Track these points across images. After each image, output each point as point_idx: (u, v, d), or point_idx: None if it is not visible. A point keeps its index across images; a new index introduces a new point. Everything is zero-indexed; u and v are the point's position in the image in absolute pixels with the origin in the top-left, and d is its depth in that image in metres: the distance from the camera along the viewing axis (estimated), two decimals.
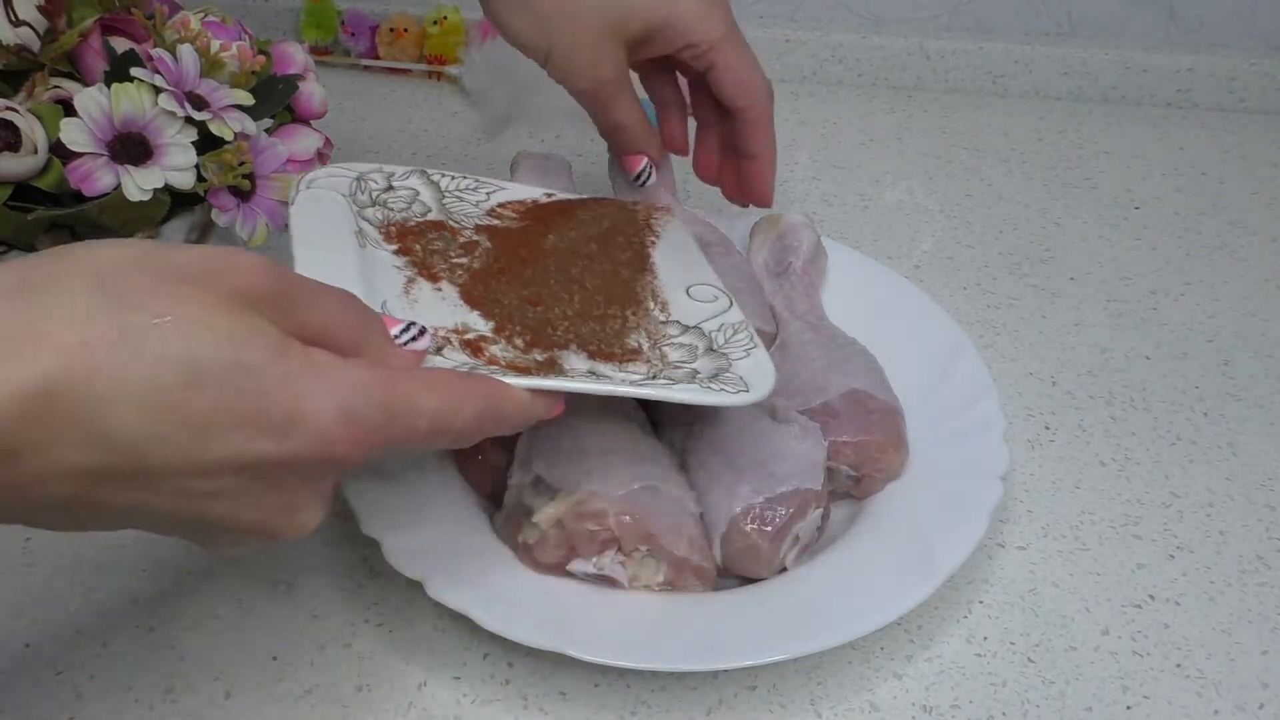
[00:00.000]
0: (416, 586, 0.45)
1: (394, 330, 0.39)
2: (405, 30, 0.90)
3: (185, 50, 0.49)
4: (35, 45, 0.49)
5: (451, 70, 0.89)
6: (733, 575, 0.49)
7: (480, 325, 0.46)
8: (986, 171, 0.82)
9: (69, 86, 0.49)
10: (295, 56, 0.58)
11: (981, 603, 0.50)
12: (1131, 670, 0.48)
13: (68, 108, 0.48)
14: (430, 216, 0.53)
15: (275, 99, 0.54)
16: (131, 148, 0.48)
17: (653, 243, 0.56)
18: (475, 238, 0.52)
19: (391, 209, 0.52)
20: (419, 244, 0.51)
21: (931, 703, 0.46)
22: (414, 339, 0.39)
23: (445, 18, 0.89)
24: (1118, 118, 0.90)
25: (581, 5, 0.56)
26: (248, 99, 0.51)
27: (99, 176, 0.47)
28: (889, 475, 0.52)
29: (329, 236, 0.47)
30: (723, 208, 0.66)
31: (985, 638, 0.49)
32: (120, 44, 0.50)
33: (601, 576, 0.47)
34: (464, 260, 0.51)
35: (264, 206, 0.53)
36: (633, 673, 0.47)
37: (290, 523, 0.35)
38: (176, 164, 0.48)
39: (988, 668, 0.48)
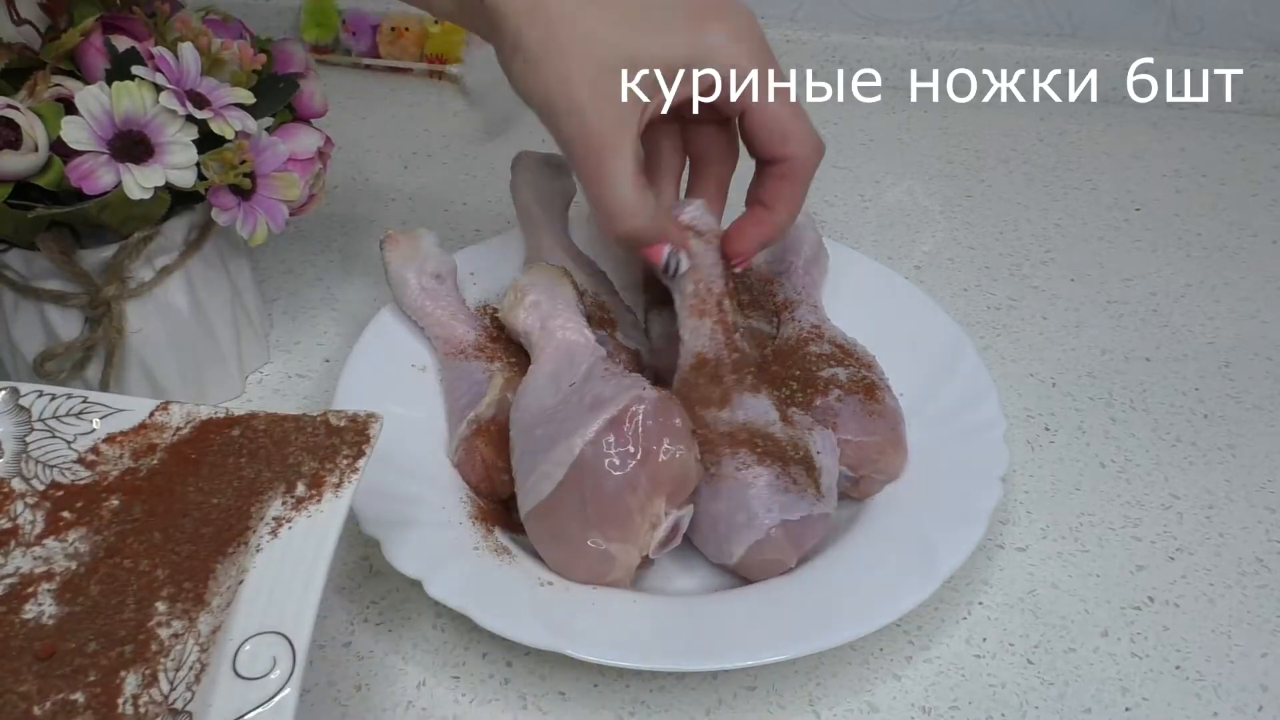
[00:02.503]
0: (416, 585, 0.45)
1: None
2: (406, 29, 0.90)
3: (186, 49, 0.49)
4: (36, 43, 0.49)
5: (452, 70, 0.90)
6: (736, 576, 0.49)
7: None
8: (987, 172, 0.82)
9: (70, 85, 0.49)
10: (296, 55, 0.58)
11: (981, 604, 0.50)
12: (1131, 672, 0.48)
13: (69, 106, 0.48)
14: None
15: (276, 98, 0.54)
16: (132, 146, 0.47)
17: (277, 529, 0.37)
18: (24, 516, 0.39)
19: None
20: None
21: (930, 704, 0.46)
22: None
23: None
24: (1118, 119, 0.90)
25: (578, 38, 0.45)
26: (248, 97, 0.51)
27: (100, 175, 0.47)
28: (888, 476, 0.52)
29: None
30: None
31: (984, 639, 0.49)
32: (121, 42, 0.50)
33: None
34: None
35: (264, 206, 0.53)
36: (632, 673, 0.47)
37: None
38: (177, 162, 0.48)
39: (987, 669, 0.48)
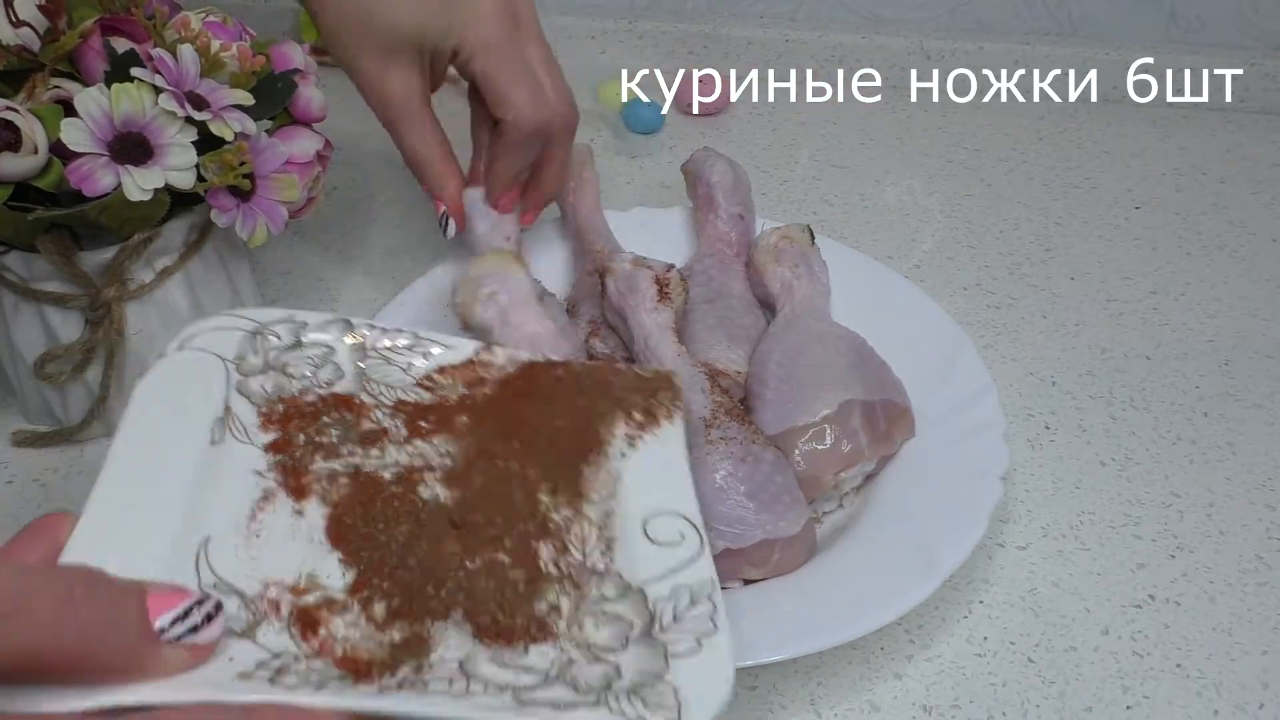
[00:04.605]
0: None
1: (163, 618, 0.29)
2: None
3: (185, 50, 0.49)
4: (35, 46, 0.49)
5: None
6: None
7: (334, 578, 0.36)
8: (986, 171, 0.82)
9: (69, 87, 0.49)
10: (295, 57, 0.58)
11: (981, 603, 0.50)
12: (1131, 670, 0.48)
13: (68, 108, 0.48)
14: (339, 387, 0.43)
15: (275, 98, 0.54)
16: (132, 148, 0.47)
17: (633, 442, 0.44)
18: (386, 422, 0.42)
19: (291, 375, 0.42)
20: (305, 433, 0.41)
21: (931, 703, 0.46)
22: (196, 628, 0.30)
23: None
24: (1118, 118, 0.90)
25: (368, 13, 0.53)
26: (248, 99, 0.51)
27: (99, 177, 0.47)
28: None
29: (168, 429, 0.38)
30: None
31: (985, 638, 0.49)
32: (120, 44, 0.50)
33: None
34: (356, 460, 0.41)
35: (263, 207, 0.53)
36: None
37: None
38: (177, 164, 0.48)
39: (988, 668, 0.48)
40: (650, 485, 0.42)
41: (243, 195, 0.52)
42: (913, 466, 0.53)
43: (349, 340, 0.44)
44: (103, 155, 0.47)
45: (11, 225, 0.48)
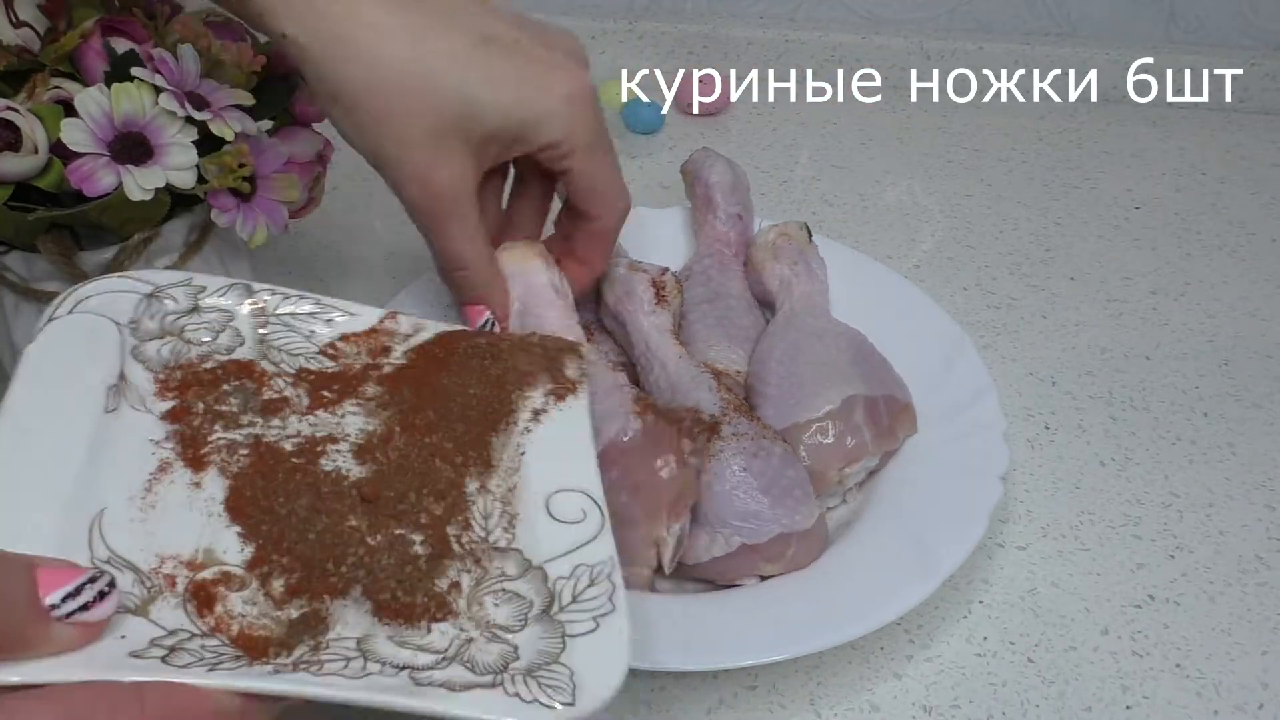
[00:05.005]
0: None
1: (53, 595, 0.29)
2: None
3: (186, 50, 0.49)
4: (35, 46, 0.49)
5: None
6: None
7: (232, 553, 0.36)
8: (986, 171, 0.82)
9: (69, 87, 0.49)
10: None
11: (981, 603, 0.50)
12: (1131, 670, 0.48)
13: (68, 108, 0.48)
14: (240, 353, 0.42)
15: (276, 98, 0.54)
16: (132, 148, 0.47)
17: (539, 414, 0.43)
18: (289, 391, 0.42)
19: (189, 340, 0.41)
20: (204, 401, 0.40)
21: (931, 703, 0.46)
22: (87, 605, 0.29)
23: None
24: (1118, 118, 0.90)
25: (419, 95, 0.45)
26: (248, 99, 0.51)
27: (100, 177, 0.47)
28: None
29: (60, 396, 0.37)
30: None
31: (985, 638, 0.49)
32: (120, 44, 0.50)
33: None
34: (256, 430, 0.40)
35: (264, 207, 0.53)
36: (633, 672, 0.47)
37: None
38: (177, 164, 0.48)
39: (988, 668, 0.48)
40: (554, 460, 0.41)
41: (243, 196, 0.52)
42: (913, 466, 0.53)
43: (249, 305, 0.44)
44: (103, 155, 0.47)
45: (11, 225, 0.48)
